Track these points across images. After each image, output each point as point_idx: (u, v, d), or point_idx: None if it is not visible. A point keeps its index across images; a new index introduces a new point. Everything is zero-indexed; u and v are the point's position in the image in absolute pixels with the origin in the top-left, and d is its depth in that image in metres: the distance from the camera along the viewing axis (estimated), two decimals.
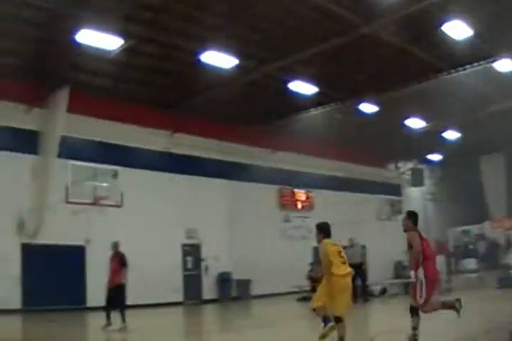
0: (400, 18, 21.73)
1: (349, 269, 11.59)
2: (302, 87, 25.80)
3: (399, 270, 36.07)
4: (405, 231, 11.99)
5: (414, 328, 11.13)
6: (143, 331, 17.10)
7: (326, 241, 11.76)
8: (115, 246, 18.25)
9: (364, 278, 25.69)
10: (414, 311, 11.37)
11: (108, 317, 17.20)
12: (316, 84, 25.86)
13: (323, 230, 12.05)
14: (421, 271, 11.33)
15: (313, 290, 26.35)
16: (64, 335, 16.99)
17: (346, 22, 22.23)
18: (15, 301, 21.30)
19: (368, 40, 25.36)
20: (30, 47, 22.85)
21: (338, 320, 11.00)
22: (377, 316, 21.76)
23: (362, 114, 29.61)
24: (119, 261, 17.70)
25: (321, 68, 27.66)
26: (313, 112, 28.91)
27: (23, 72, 22.97)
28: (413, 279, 11.43)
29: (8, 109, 22.44)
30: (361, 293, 25.16)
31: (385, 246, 34.85)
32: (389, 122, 32.95)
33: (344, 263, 11.61)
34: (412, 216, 12.22)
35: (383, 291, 27.84)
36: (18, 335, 13.71)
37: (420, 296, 11.32)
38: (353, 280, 24.68)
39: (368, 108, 28.91)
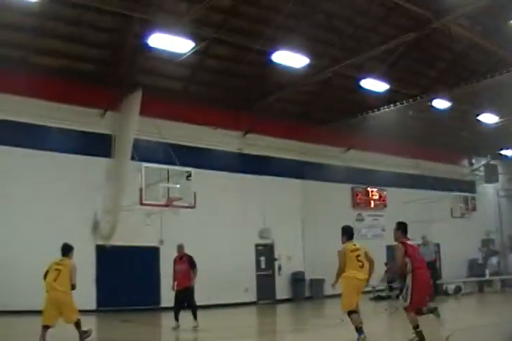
0: (471, 12, 21.32)
1: (364, 276, 12.78)
2: (374, 85, 25.44)
3: (473, 268, 35.58)
4: (396, 240, 12.64)
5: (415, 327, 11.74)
6: (216, 331, 17.18)
7: (347, 245, 13.07)
8: (181, 248, 18.29)
9: (435, 277, 25.43)
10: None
11: (177, 318, 17.34)
12: (388, 81, 25.54)
13: (347, 233, 13.41)
14: (409, 278, 11.97)
15: (390, 287, 26.69)
16: (138, 335, 17.21)
17: (417, 17, 21.97)
18: (90, 302, 21.59)
19: (440, 35, 25.16)
20: (103, 52, 23.30)
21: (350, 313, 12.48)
22: (452, 315, 21.46)
23: (434, 110, 29.20)
24: (188, 263, 17.77)
25: (393, 65, 27.43)
26: (385, 110, 28.54)
27: (97, 76, 23.37)
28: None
29: (83, 113, 22.88)
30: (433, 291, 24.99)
31: (458, 244, 34.37)
32: (462, 118, 32.50)
33: (362, 267, 12.80)
34: (401, 226, 12.74)
35: (458, 290, 27.37)
36: (92, 335, 13.89)
37: (405, 299, 12.01)
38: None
39: (440, 104, 28.38)
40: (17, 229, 20.67)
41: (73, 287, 13.24)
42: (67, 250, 13.72)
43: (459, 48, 28.41)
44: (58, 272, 13.14)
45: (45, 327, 12.93)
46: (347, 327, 14.52)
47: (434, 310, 12.51)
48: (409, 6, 20.62)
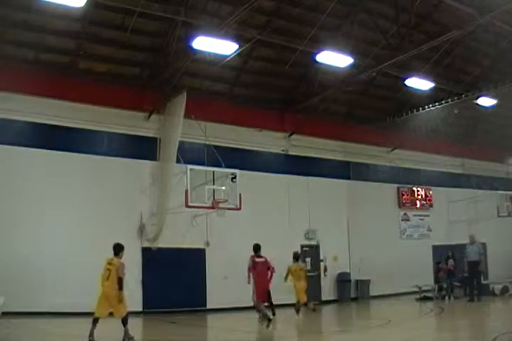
0: None
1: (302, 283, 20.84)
2: (418, 83, 25.27)
3: None
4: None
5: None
6: (259, 331, 17.28)
7: (291, 265, 20.80)
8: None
9: (479, 277, 25.50)
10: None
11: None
12: (433, 79, 25.37)
13: (296, 257, 21.45)
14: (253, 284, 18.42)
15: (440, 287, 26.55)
16: (188, 336, 17.27)
17: (461, 14, 21.69)
18: (136, 304, 21.64)
19: (484, 32, 24.84)
20: (148, 56, 23.46)
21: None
22: (498, 316, 21.23)
23: (480, 107, 28.91)
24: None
25: (437, 63, 27.23)
26: (431, 108, 28.25)
27: (141, 80, 23.59)
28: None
29: (128, 117, 23.21)
30: (478, 291, 24.82)
31: (505, 243, 33.93)
32: (507, 115, 32.13)
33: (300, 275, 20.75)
34: (255, 247, 19.00)
35: (505, 290, 27.06)
36: (138, 336, 14.12)
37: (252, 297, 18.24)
38: (472, 278, 25.29)
39: (485, 101, 28.10)
40: (65, 231, 21.01)
41: (120, 280, 13.86)
42: (117, 250, 14.50)
43: (504, 45, 28.10)
44: (109, 272, 14.01)
45: (95, 321, 13.63)
46: (391, 329, 14.49)
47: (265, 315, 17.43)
48: (452, 3, 20.41)
